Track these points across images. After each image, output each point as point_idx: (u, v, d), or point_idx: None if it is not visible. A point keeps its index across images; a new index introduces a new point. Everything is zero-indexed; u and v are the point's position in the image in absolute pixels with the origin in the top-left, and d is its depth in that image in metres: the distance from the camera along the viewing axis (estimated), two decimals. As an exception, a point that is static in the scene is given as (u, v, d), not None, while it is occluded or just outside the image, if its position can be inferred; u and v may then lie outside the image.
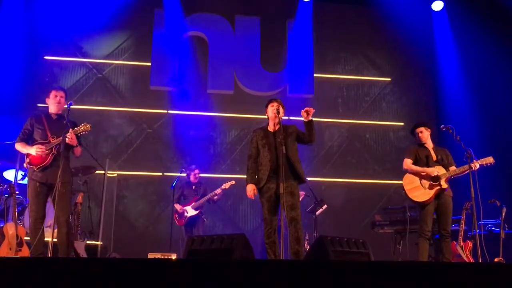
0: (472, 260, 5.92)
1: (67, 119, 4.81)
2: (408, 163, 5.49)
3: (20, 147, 4.86)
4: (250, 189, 4.80)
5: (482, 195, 5.20)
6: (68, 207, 4.84)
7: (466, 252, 6.05)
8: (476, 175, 5.17)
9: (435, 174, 5.28)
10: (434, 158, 5.46)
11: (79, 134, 4.79)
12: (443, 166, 5.40)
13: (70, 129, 4.71)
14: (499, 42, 8.56)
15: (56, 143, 4.74)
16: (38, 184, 4.71)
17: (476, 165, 5.23)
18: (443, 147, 5.74)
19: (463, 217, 6.16)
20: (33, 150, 4.73)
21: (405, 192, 5.46)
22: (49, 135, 4.79)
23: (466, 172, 5.26)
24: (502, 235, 5.92)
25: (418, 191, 5.36)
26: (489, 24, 8.61)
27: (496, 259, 5.38)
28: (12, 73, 8.19)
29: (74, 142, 4.72)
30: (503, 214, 6.25)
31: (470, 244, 6.08)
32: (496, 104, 8.59)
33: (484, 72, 8.80)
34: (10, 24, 8.39)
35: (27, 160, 4.78)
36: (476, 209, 5.13)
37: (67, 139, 4.65)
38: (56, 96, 4.94)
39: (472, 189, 5.08)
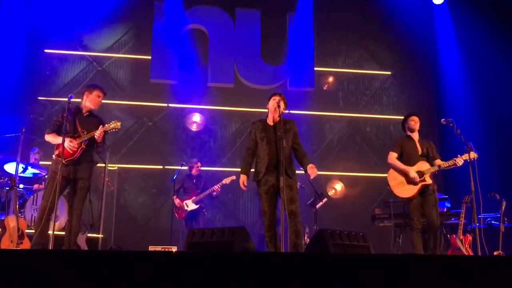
0: (471, 254, 5.94)
1: (68, 112, 4.87)
2: (392, 157, 5.54)
3: (51, 138, 4.94)
4: (242, 180, 4.85)
5: (482, 188, 5.22)
6: (84, 202, 4.97)
7: (465, 245, 6.07)
8: (476, 169, 5.19)
9: (412, 177, 5.31)
10: (420, 151, 5.50)
11: (108, 131, 4.92)
12: (427, 159, 5.45)
13: (101, 126, 4.85)
14: (501, 36, 8.53)
15: (87, 138, 4.82)
16: (56, 177, 4.73)
17: (460, 160, 5.28)
18: (428, 140, 5.77)
19: (463, 211, 6.17)
20: (65, 143, 4.74)
21: (389, 187, 5.50)
22: (79, 129, 4.87)
23: (451, 167, 5.35)
24: (502, 229, 5.93)
25: (402, 187, 5.42)
26: (491, 17, 8.58)
27: (495, 253, 5.40)
28: (12, 66, 8.18)
29: (101, 139, 4.84)
30: (503, 207, 6.26)
31: (469, 237, 6.09)
32: (497, 98, 8.58)
33: (485, 66, 8.78)
34: (10, 17, 8.37)
35: (56, 152, 4.85)
36: (476, 202, 5.14)
37: (96, 135, 4.77)
38: (99, 96, 5.06)
39: (472, 183, 5.10)
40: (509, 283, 2.72)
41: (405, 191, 5.38)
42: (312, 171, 4.74)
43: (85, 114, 5.04)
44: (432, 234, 5.35)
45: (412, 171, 5.37)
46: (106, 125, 4.92)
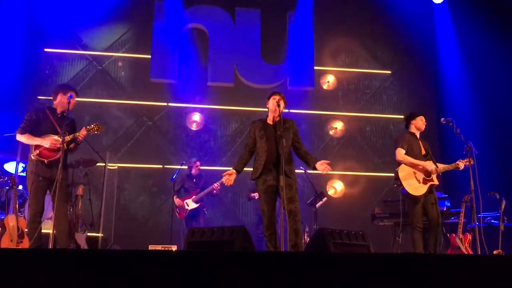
0: (471, 253, 5.94)
1: (68, 111, 4.87)
2: (402, 153, 5.47)
3: (25, 138, 4.84)
4: (229, 172, 4.81)
5: (482, 188, 5.22)
6: (68, 200, 4.96)
7: (465, 244, 6.07)
8: (476, 168, 5.19)
9: (431, 169, 5.31)
10: (423, 151, 5.50)
11: (91, 133, 4.94)
12: (431, 159, 5.45)
13: (84, 128, 4.86)
14: (501, 35, 8.53)
15: (70, 138, 4.79)
16: (40, 179, 4.74)
17: (461, 165, 5.32)
18: (426, 141, 5.75)
19: (463, 210, 6.17)
20: (46, 142, 4.73)
21: (400, 183, 5.47)
22: (59, 130, 4.83)
23: (451, 169, 5.44)
24: (501, 228, 5.93)
25: (414, 184, 5.39)
26: (491, 16, 8.58)
27: (495, 252, 5.39)
28: (12, 65, 8.17)
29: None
30: (503, 206, 6.26)
31: (469, 236, 6.10)
32: (497, 97, 8.57)
33: (485, 65, 8.78)
34: (10, 16, 8.35)
35: (36, 152, 4.76)
36: (476, 201, 5.14)
37: (80, 137, 4.79)
38: (74, 98, 5.02)
39: (471, 182, 5.10)
40: (509, 282, 2.72)
41: (417, 189, 5.37)
42: (325, 167, 4.69)
43: (59, 115, 5.00)
44: (432, 232, 5.35)
45: (429, 165, 5.36)
46: (89, 127, 4.92)
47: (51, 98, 5.11)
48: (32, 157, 4.78)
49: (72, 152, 5.15)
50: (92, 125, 4.95)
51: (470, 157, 5.31)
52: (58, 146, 4.74)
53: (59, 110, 5.01)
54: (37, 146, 4.79)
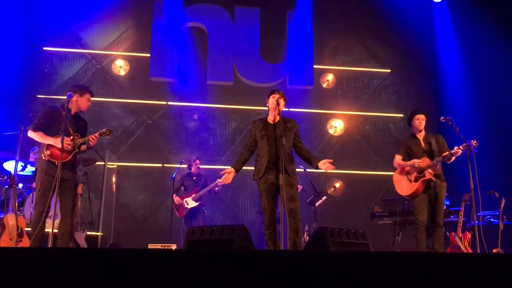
0: (470, 251, 5.95)
1: (67, 110, 4.85)
2: (397, 159, 5.55)
3: (37, 136, 4.78)
4: (228, 170, 4.83)
5: (481, 186, 5.21)
6: (75, 200, 5.01)
7: (464, 243, 6.08)
8: (475, 167, 5.18)
9: (417, 165, 5.30)
10: (424, 148, 5.48)
11: (103, 138, 5.02)
12: (433, 154, 5.40)
13: (98, 132, 4.88)
14: (500, 33, 8.53)
15: (81, 141, 4.80)
16: (51, 178, 4.68)
17: (458, 151, 5.18)
18: (437, 134, 5.72)
19: (462, 209, 6.19)
20: (59, 142, 4.67)
21: (395, 189, 5.54)
22: (71, 131, 4.80)
23: (452, 158, 5.25)
24: (501, 226, 5.94)
25: (405, 184, 5.42)
26: (490, 15, 8.58)
27: (494, 250, 5.40)
28: (11, 64, 8.17)
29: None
30: (502, 205, 6.27)
31: (468, 235, 6.11)
32: (496, 95, 8.57)
33: (484, 64, 8.78)
34: (10, 15, 8.35)
35: (47, 152, 4.72)
36: (475, 200, 5.14)
37: (91, 141, 4.78)
38: (89, 100, 5.04)
39: (471, 181, 5.09)
40: (508, 281, 2.72)
41: (407, 188, 5.37)
42: (328, 166, 4.70)
43: (72, 116, 4.96)
44: (433, 231, 5.34)
45: (413, 160, 5.37)
46: (101, 131, 4.93)
47: (51, 96, 5.11)
48: (43, 157, 4.75)
49: (82, 153, 5.17)
50: (104, 129, 4.94)
51: (470, 155, 5.28)
52: (70, 148, 4.73)
53: (73, 111, 4.99)
54: (48, 146, 4.75)
